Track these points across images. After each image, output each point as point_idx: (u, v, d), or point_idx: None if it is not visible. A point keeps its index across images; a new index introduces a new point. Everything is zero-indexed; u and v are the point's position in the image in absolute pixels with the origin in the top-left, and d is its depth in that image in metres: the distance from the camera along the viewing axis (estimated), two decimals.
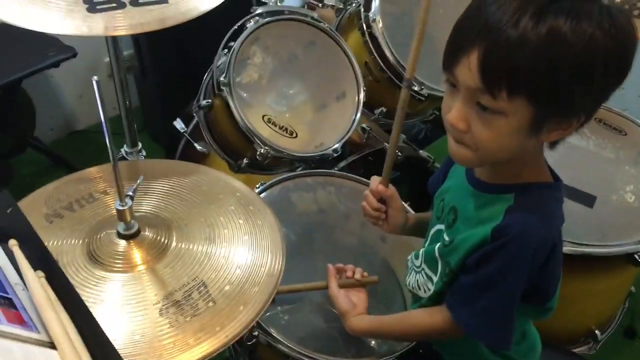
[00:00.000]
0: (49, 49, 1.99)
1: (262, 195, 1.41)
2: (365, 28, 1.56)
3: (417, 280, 1.11)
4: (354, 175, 1.51)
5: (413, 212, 1.34)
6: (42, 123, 2.38)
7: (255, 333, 1.16)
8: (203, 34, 1.58)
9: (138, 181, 0.91)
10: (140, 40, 2.21)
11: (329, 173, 1.52)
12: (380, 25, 1.54)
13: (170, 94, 2.28)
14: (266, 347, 1.18)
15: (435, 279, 1.04)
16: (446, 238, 1.01)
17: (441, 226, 1.05)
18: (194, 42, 2.01)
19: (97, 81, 0.75)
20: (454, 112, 0.82)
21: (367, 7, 1.57)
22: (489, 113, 0.78)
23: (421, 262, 1.10)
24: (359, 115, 1.49)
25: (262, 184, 1.42)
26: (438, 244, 1.02)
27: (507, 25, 0.72)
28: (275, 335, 1.15)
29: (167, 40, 2.15)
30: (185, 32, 1.99)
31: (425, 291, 1.08)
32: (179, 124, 1.81)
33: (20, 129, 2.28)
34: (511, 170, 0.90)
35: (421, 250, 1.11)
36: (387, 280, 1.48)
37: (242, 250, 0.94)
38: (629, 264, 1.44)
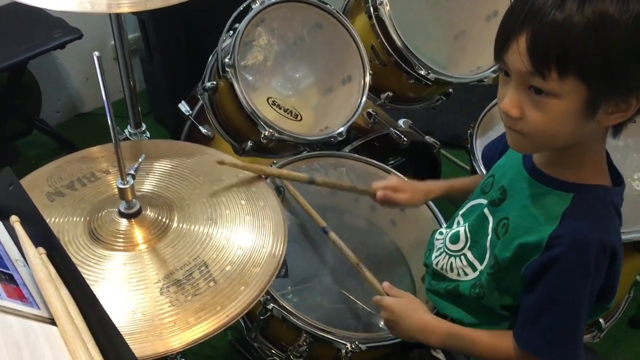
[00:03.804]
0: (54, 30, 1.98)
1: None
2: (372, 11, 1.54)
3: (451, 264, 1.10)
4: (365, 158, 1.51)
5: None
6: (48, 105, 2.38)
7: (270, 307, 1.16)
8: (209, 16, 1.57)
9: (140, 160, 0.91)
10: (146, 22, 2.20)
11: (341, 155, 1.52)
12: (388, 8, 1.52)
13: (176, 77, 2.28)
14: (280, 322, 1.18)
15: (480, 267, 1.03)
16: (489, 217, 1.00)
17: (483, 201, 1.04)
18: (200, 24, 2.00)
19: (98, 57, 0.74)
20: (506, 100, 0.82)
21: None
22: (543, 96, 0.78)
23: (464, 246, 1.08)
24: (364, 99, 1.48)
25: (274, 164, 1.42)
26: (489, 237, 1.01)
27: (553, 6, 0.73)
28: (290, 309, 1.16)
29: (173, 23, 2.14)
30: (192, 14, 2.00)
31: (459, 274, 1.08)
32: (183, 106, 1.80)
33: (26, 111, 2.28)
34: (570, 162, 0.88)
35: (462, 232, 1.09)
36: (396, 263, 1.48)
37: (243, 231, 0.94)
38: (635, 253, 1.42)
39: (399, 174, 1.45)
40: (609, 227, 0.87)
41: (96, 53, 0.74)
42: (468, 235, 1.07)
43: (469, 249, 1.06)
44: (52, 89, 2.39)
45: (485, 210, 1.02)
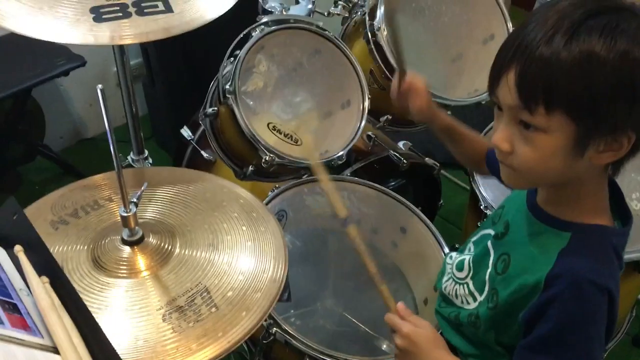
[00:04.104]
0: (58, 58, 2.02)
1: (277, 198, 1.42)
2: (370, 36, 1.57)
3: (456, 290, 1.09)
4: (365, 181, 1.52)
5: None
6: (52, 131, 2.41)
7: (273, 331, 1.16)
8: (211, 42, 1.60)
9: (142, 188, 0.92)
10: (149, 49, 2.23)
11: (341, 178, 1.54)
12: (385, 33, 1.54)
13: (178, 102, 2.31)
14: (283, 345, 1.19)
15: (479, 298, 1.02)
16: (491, 250, 1.00)
17: (491, 232, 1.04)
18: (202, 50, 2.03)
19: (101, 90, 0.76)
20: (497, 133, 0.83)
21: (372, 16, 1.58)
22: (531, 131, 0.78)
23: (467, 275, 1.08)
24: (363, 123, 1.50)
25: (276, 188, 1.44)
26: (489, 271, 1.00)
27: (541, 42, 0.73)
28: (293, 333, 1.16)
29: (176, 49, 2.18)
30: (193, 40, 2.03)
31: (463, 302, 1.07)
32: (186, 131, 1.82)
33: (30, 137, 2.31)
34: (568, 200, 0.87)
35: (466, 261, 1.08)
36: (398, 286, 1.49)
37: (245, 257, 0.95)
38: (635, 272, 1.43)
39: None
40: (605, 269, 0.84)
41: (99, 86, 0.76)
42: (471, 265, 1.06)
43: (471, 278, 1.06)
44: (56, 115, 2.42)
45: (489, 243, 1.02)
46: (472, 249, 1.11)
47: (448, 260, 1.18)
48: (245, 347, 1.29)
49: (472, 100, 1.63)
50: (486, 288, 1.00)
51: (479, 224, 1.57)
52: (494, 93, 0.82)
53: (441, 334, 1.10)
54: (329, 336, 1.36)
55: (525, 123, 0.78)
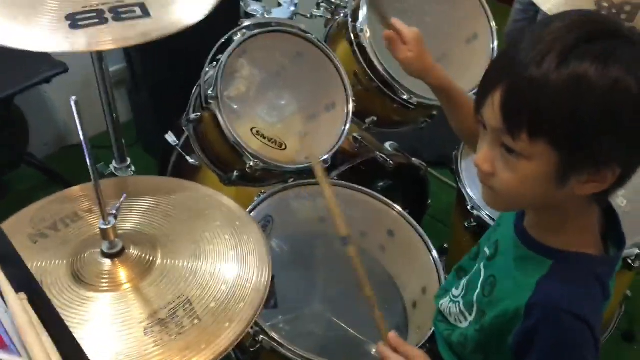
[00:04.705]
0: (40, 65, 1.99)
1: (264, 203, 1.41)
2: (353, 38, 1.56)
3: (450, 308, 1.08)
4: (352, 184, 1.51)
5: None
6: (36, 138, 2.38)
7: (259, 339, 1.15)
8: (195, 46, 1.58)
9: (121, 199, 0.91)
10: (132, 53, 2.21)
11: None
12: (368, 34, 1.54)
13: (162, 106, 2.28)
14: (270, 353, 1.18)
15: (469, 318, 1.01)
16: (482, 271, 0.98)
17: (487, 251, 1.02)
18: (186, 54, 2.01)
19: (75, 101, 0.75)
20: (479, 154, 0.81)
21: (355, 17, 1.57)
22: (513, 156, 0.75)
23: (459, 294, 1.06)
24: (348, 125, 1.49)
25: (262, 193, 1.43)
26: (477, 292, 0.98)
27: (531, 63, 0.70)
28: (279, 340, 1.15)
29: (159, 54, 2.15)
30: (177, 45, 2.00)
31: (456, 321, 1.05)
32: (170, 137, 1.80)
33: (13, 145, 2.27)
34: (552, 226, 0.85)
35: (462, 282, 1.07)
36: (387, 290, 1.48)
37: (227, 266, 0.94)
38: (623, 269, 1.43)
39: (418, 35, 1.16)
40: (583, 298, 0.82)
41: (73, 98, 0.74)
42: (465, 285, 1.05)
43: (462, 298, 1.05)
44: (40, 122, 2.38)
45: (482, 265, 1.01)
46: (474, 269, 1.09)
47: (451, 280, 1.17)
48: (233, 355, 1.28)
49: None
50: (474, 309, 0.98)
51: (466, 223, 1.57)
52: (479, 112, 0.79)
53: (437, 348, 1.10)
54: (318, 341, 1.35)
55: (508, 147, 0.76)
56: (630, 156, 0.75)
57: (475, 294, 0.98)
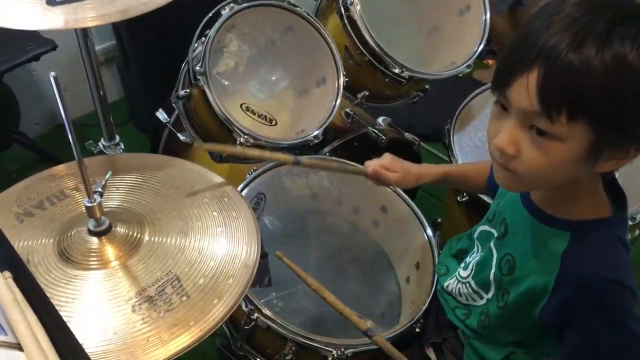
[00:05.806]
0: (27, 43, 1.96)
1: (255, 181, 1.40)
2: (343, 11, 1.54)
3: (459, 289, 1.10)
4: (345, 161, 1.50)
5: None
6: (27, 118, 2.36)
7: (254, 317, 1.15)
8: (184, 21, 1.56)
9: (106, 177, 0.90)
10: (122, 30, 2.18)
11: (320, 158, 1.51)
12: (359, 7, 1.51)
13: (154, 83, 2.26)
14: (265, 330, 1.18)
15: (486, 296, 1.03)
16: (494, 250, 1.00)
17: (492, 230, 1.03)
18: (176, 30, 1.98)
19: (54, 77, 0.73)
20: (502, 136, 0.79)
21: None
22: (546, 138, 0.75)
23: (468, 275, 1.08)
24: (339, 100, 1.47)
25: (253, 170, 1.42)
26: (492, 271, 0.99)
27: (570, 48, 0.70)
28: (273, 318, 1.15)
29: (148, 30, 2.13)
30: (167, 20, 1.99)
31: (469, 300, 1.08)
32: (161, 114, 1.78)
33: (4, 125, 2.26)
34: (565, 199, 0.86)
35: (472, 262, 1.08)
36: (380, 265, 1.48)
37: (216, 243, 0.93)
38: None
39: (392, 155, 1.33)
40: (612, 261, 0.83)
41: (52, 74, 0.73)
42: (474, 266, 1.07)
43: (472, 278, 1.06)
44: (30, 102, 2.36)
45: (492, 244, 1.01)
46: (479, 249, 1.11)
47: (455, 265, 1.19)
48: (228, 333, 1.28)
49: (449, 73, 1.61)
50: (492, 287, 1.00)
51: (458, 197, 1.57)
52: (502, 92, 0.78)
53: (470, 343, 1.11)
54: (311, 317, 1.35)
55: (539, 129, 0.75)
56: None
57: (492, 273, 1.00)
